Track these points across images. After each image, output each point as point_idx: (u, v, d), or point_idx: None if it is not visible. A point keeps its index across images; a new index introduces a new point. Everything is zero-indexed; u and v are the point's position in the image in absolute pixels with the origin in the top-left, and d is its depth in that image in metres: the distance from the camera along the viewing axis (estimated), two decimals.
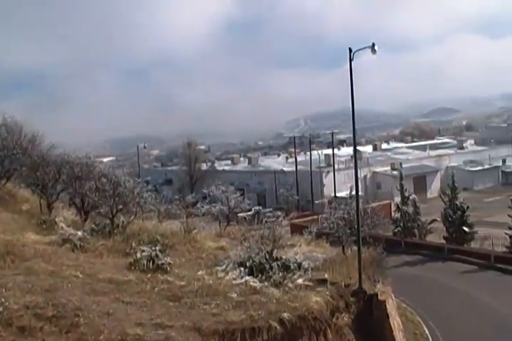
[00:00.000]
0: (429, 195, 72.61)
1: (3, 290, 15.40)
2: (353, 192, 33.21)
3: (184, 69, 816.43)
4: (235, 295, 18.03)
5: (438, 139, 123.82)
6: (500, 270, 37.23)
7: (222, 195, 41.49)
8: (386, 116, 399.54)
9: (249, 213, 46.62)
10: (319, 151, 79.67)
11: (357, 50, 22.13)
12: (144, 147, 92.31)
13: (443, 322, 27.87)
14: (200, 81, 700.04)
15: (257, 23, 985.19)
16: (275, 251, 22.59)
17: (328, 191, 67.10)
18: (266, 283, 19.57)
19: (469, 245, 43.27)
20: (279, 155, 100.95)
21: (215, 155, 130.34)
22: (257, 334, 16.36)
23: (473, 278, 36.06)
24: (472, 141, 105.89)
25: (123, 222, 26.79)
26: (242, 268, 20.77)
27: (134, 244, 23.05)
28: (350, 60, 22.17)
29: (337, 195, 60.29)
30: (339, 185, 63.25)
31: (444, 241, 44.09)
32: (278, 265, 21.01)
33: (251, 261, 21.21)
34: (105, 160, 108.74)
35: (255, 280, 19.82)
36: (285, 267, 21.09)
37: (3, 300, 14.58)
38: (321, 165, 73.32)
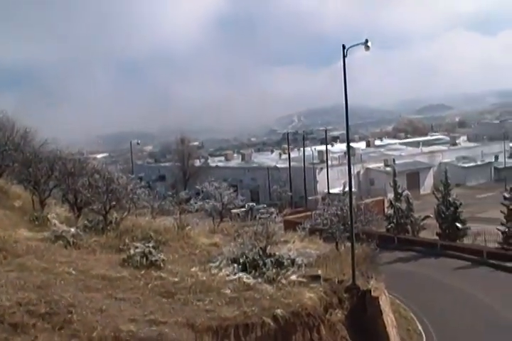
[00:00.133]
0: (422, 192, 72.78)
1: None
2: (347, 189, 33.25)
3: (180, 66, 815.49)
4: (228, 292, 18.03)
5: (431, 135, 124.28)
6: (492, 266, 37.35)
7: (215, 191, 41.45)
8: (380, 113, 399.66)
9: (242, 209, 46.57)
10: (313, 148, 79.63)
11: (350, 47, 22.13)
12: (137, 143, 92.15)
13: (436, 318, 27.96)
14: (196, 78, 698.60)
15: (253, 20, 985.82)
16: (269, 248, 22.61)
17: (321, 187, 67.15)
18: (259, 280, 19.58)
19: (462, 241, 43.37)
20: (272, 151, 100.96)
21: (209, 151, 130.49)
22: (250, 331, 16.38)
23: (466, 274, 36.18)
24: (465, 138, 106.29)
25: (116, 219, 26.76)
26: (235, 265, 20.77)
27: (127, 241, 23.04)
28: (344, 57, 22.17)
29: (330, 191, 60.34)
30: (332, 182, 63.31)
31: (437, 238, 44.19)
32: (271, 261, 21.01)
33: (244, 257, 21.21)
34: (98, 156, 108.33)
35: (249, 276, 19.82)
36: (278, 263, 21.10)
37: None
38: (315, 161, 73.34)
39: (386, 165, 74.08)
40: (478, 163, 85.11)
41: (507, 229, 39.71)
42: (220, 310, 16.52)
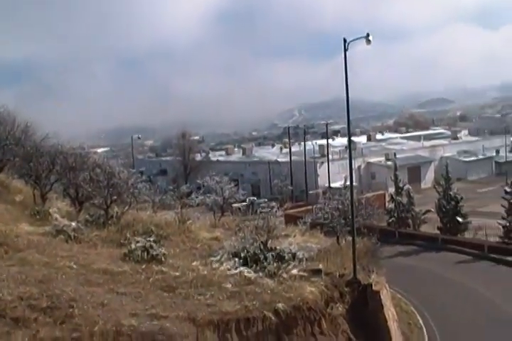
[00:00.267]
0: (423, 186, 72.79)
1: None
2: (348, 183, 33.21)
3: (180, 60, 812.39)
4: (229, 286, 18.05)
5: (432, 130, 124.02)
6: (493, 260, 37.40)
7: (216, 186, 41.39)
8: (381, 106, 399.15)
9: (243, 203, 46.61)
10: (313, 142, 79.65)
11: (351, 41, 22.04)
12: (138, 138, 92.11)
13: (437, 312, 28.01)
14: (196, 72, 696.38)
15: (253, 13, 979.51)
16: (269, 242, 22.61)
17: (322, 181, 67.13)
18: (260, 274, 19.59)
19: (463, 235, 43.42)
20: (273, 145, 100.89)
21: (209, 145, 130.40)
22: (251, 325, 16.40)
23: (467, 269, 36.23)
24: (466, 132, 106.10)
25: (117, 213, 26.77)
26: (236, 259, 20.79)
27: (128, 235, 23.04)
28: (345, 51, 22.09)
29: (331, 185, 60.25)
30: (333, 176, 63.23)
31: (438, 232, 44.25)
32: (272, 255, 21.02)
33: (245, 251, 21.22)
34: (99, 150, 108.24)
35: (250, 270, 19.83)
36: (279, 257, 21.11)
37: None
38: (316, 155, 73.34)
39: (387, 159, 74.04)
40: (480, 157, 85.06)
41: (508, 223, 39.74)
42: (221, 304, 16.53)
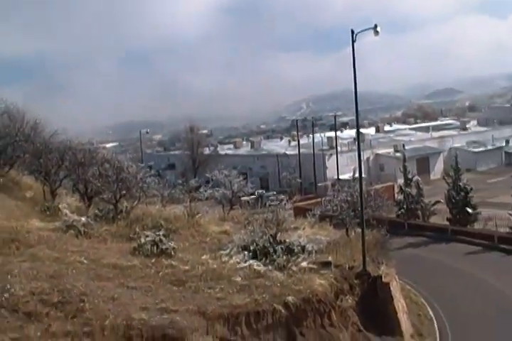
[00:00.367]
0: (432, 177, 72.44)
1: (9, 276, 15.50)
2: (356, 175, 33.20)
3: (187, 55, 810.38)
4: (239, 279, 18.12)
5: (441, 120, 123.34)
6: (503, 251, 37.26)
7: (225, 179, 41.45)
8: (389, 98, 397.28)
9: (252, 197, 46.69)
10: (322, 134, 79.44)
11: (359, 32, 21.99)
12: (147, 132, 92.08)
13: (447, 303, 27.95)
14: (204, 66, 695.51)
15: (260, 6, 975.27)
16: (279, 235, 22.66)
17: (331, 174, 67.02)
18: (270, 267, 19.65)
19: (473, 226, 43.25)
20: (281, 138, 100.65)
21: (218, 139, 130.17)
22: (261, 318, 16.48)
23: (477, 259, 36.11)
24: (475, 122, 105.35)
25: (126, 207, 26.89)
26: (245, 252, 20.85)
27: (137, 229, 23.15)
28: (353, 42, 22.05)
29: (340, 177, 60.23)
30: (342, 168, 63.16)
31: (447, 223, 44.09)
32: (282, 248, 21.08)
33: (255, 244, 21.28)
34: (108, 145, 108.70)
35: (259, 263, 19.90)
36: (289, 250, 21.16)
37: (9, 286, 14.69)
38: (324, 147, 73.18)
39: (396, 151, 73.77)
40: (489, 147, 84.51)
41: None
42: (231, 297, 16.61)
